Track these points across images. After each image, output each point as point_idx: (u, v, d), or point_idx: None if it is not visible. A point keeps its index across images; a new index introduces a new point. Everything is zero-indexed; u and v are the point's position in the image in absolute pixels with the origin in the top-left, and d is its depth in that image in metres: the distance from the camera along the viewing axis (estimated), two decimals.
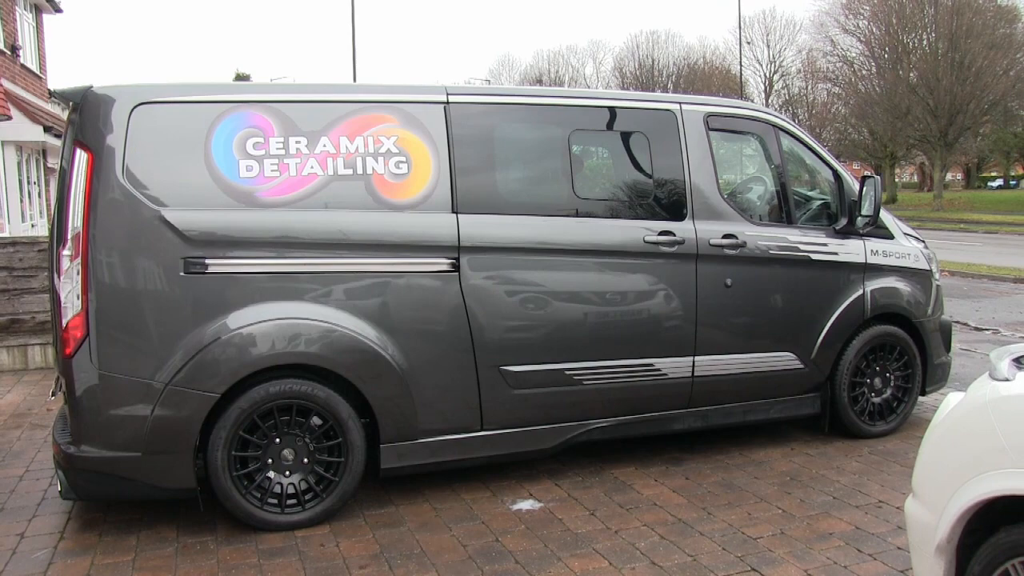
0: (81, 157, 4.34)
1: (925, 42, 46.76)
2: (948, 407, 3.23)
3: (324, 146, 4.65)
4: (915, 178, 79.35)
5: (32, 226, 18.82)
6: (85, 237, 4.29)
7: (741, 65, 54.42)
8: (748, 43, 59.27)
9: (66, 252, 4.34)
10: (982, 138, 52.92)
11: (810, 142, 6.05)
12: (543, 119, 5.28)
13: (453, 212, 4.82)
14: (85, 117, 4.40)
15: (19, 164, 18.55)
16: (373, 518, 4.73)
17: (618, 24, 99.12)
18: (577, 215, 5.16)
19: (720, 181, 5.60)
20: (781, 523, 4.61)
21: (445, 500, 4.97)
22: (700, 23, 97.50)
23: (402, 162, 4.76)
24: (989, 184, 75.50)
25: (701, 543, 4.36)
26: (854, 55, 51.70)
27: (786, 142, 5.93)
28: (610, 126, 5.42)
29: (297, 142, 4.61)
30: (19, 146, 18.32)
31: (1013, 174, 74.55)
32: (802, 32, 66.05)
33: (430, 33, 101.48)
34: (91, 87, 4.46)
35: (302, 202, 4.58)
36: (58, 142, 20.09)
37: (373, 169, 4.71)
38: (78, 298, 4.29)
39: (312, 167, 4.61)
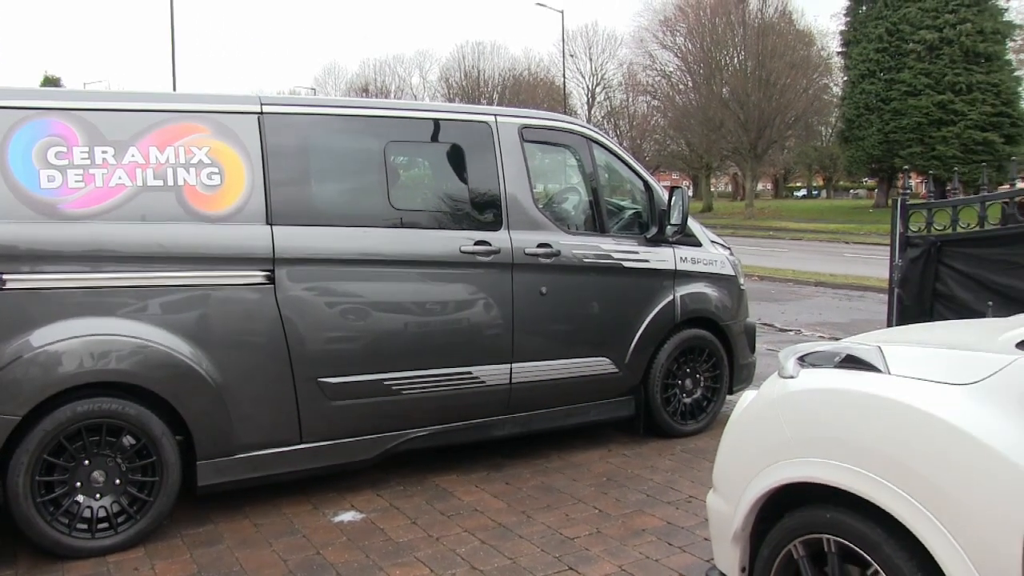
0: None
1: (736, 60, 49.47)
2: (744, 405, 3.46)
3: (132, 156, 4.49)
4: (729, 188, 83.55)
5: None
6: None
7: (564, 77, 55.80)
8: (571, 56, 60.91)
9: None
10: (787, 151, 56.40)
11: (622, 154, 6.31)
12: (359, 130, 5.29)
13: (268, 224, 4.76)
14: None
15: None
16: (190, 537, 4.60)
17: (445, 34, 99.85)
18: (394, 226, 5.19)
19: (535, 192, 5.76)
20: (597, 522, 4.79)
21: (266, 515, 4.89)
22: (525, 35, 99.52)
23: (215, 173, 4.67)
24: (795, 194, 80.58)
25: (520, 546, 4.47)
26: (671, 70, 54.03)
27: (599, 154, 6.15)
28: (427, 137, 5.49)
29: (103, 152, 4.44)
30: None
31: (815, 184, 79.86)
32: (623, 46, 68.45)
33: (254, 40, 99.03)
34: None
35: (110, 214, 4.41)
36: None
37: (184, 180, 4.59)
38: None
39: (120, 178, 4.45)
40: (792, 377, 3.23)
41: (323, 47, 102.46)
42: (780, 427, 3.15)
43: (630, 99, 60.24)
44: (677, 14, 52.72)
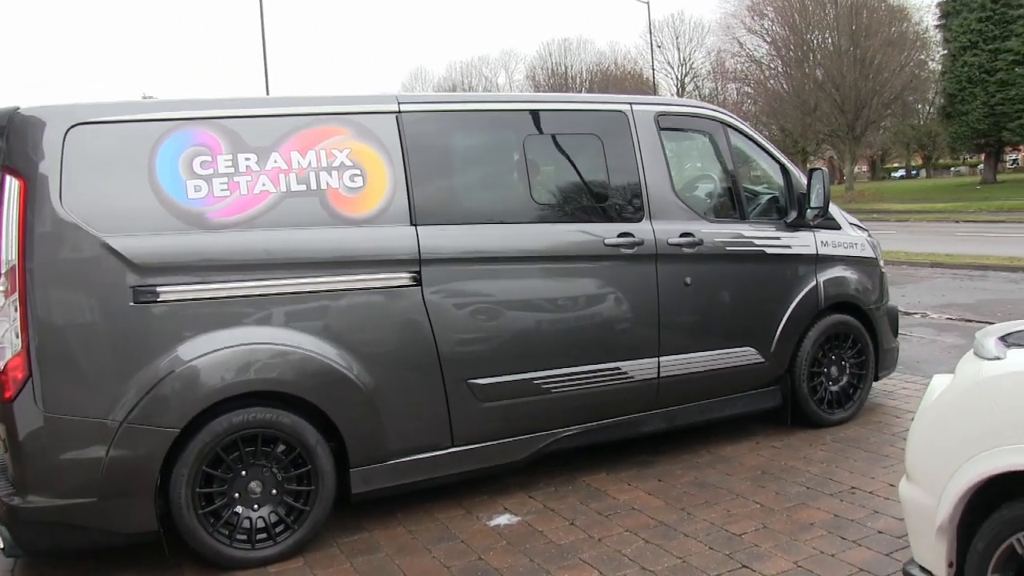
0: (12, 185, 4.05)
1: (828, 40, 48.08)
2: (936, 390, 3.23)
3: (275, 162, 4.46)
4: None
5: None
6: (22, 271, 4.01)
7: (653, 69, 55.20)
8: (659, 46, 60.22)
9: None
10: (884, 131, 54.69)
11: (758, 138, 6.10)
12: (497, 124, 5.20)
13: (412, 224, 4.69)
14: (13, 141, 4.11)
15: None
16: (347, 546, 4.55)
17: (529, 33, 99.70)
18: (537, 221, 5.08)
19: (674, 180, 5.58)
20: (761, 517, 4.58)
21: (419, 521, 4.81)
22: (611, 29, 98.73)
23: (357, 175, 4.61)
24: (892, 175, 78.06)
25: (687, 544, 4.30)
26: (760, 55, 52.92)
27: (735, 138, 5.95)
28: (564, 129, 5.37)
29: (247, 159, 4.42)
30: None
31: (913, 164, 77.22)
32: (710, 34, 67.19)
33: (340, 48, 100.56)
34: (17, 108, 4.17)
35: (255, 221, 4.39)
36: None
37: (327, 184, 4.55)
38: (17, 336, 4.01)
39: (264, 184, 4.43)
40: (998, 359, 3.01)
41: (409, 51, 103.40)
42: (989, 412, 2.96)
43: (719, 87, 59.30)
44: None
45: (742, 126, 6.05)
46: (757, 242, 5.76)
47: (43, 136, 4.10)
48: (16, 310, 3.99)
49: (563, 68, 66.24)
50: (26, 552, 4.19)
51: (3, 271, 4.04)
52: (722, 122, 5.93)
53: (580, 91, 62.71)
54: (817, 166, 6.52)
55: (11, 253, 4.02)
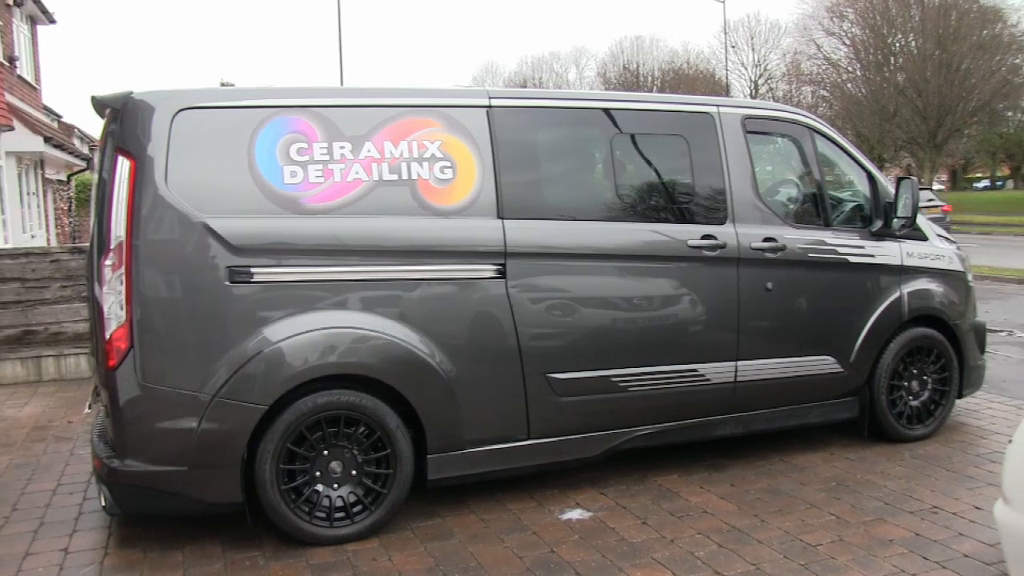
0: (123, 165, 4.23)
1: (912, 44, 46.87)
2: None
3: (368, 151, 4.56)
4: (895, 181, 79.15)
5: (32, 236, 18.62)
6: (128, 246, 4.18)
7: (727, 69, 54.57)
8: (733, 47, 59.49)
9: (108, 262, 4.23)
10: (968, 139, 53.14)
11: (845, 144, 6.02)
12: (585, 122, 5.23)
13: (499, 217, 4.75)
14: (126, 124, 4.29)
15: (19, 175, 18.33)
16: (421, 531, 4.64)
17: (601, 31, 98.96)
18: (621, 220, 5.11)
19: (758, 184, 5.55)
20: (837, 529, 4.54)
21: (491, 511, 4.88)
22: (684, 28, 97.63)
23: (447, 167, 4.69)
24: (974, 185, 75.80)
25: (761, 551, 4.29)
26: (838, 57, 51.86)
27: (822, 144, 5.89)
28: (651, 129, 5.37)
29: (341, 147, 4.53)
30: (19, 157, 18.11)
31: (999, 175, 74.91)
32: (786, 35, 66.14)
33: (412, 41, 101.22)
34: (131, 93, 4.35)
35: (347, 208, 4.49)
36: (56, 152, 19.91)
37: (418, 174, 4.63)
38: (122, 308, 4.18)
39: (357, 173, 4.53)
40: None
41: (480, 46, 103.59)
42: None
43: (794, 89, 58.30)
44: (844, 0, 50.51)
45: (830, 131, 5.98)
46: (840, 250, 5.70)
47: (153, 120, 4.26)
48: (122, 283, 4.17)
49: (635, 66, 65.85)
50: (123, 512, 4.40)
51: (112, 246, 4.20)
52: (810, 127, 5.87)
53: (651, 90, 62.27)
54: (904, 175, 6.37)
55: (120, 229, 4.19)
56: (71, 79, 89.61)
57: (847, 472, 5.43)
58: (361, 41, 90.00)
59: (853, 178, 6.15)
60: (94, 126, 40.15)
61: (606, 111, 5.23)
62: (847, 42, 50.93)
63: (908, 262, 6.00)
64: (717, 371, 5.30)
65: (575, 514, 4.81)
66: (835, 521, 4.65)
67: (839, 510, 4.80)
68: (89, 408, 5.08)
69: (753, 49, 61.87)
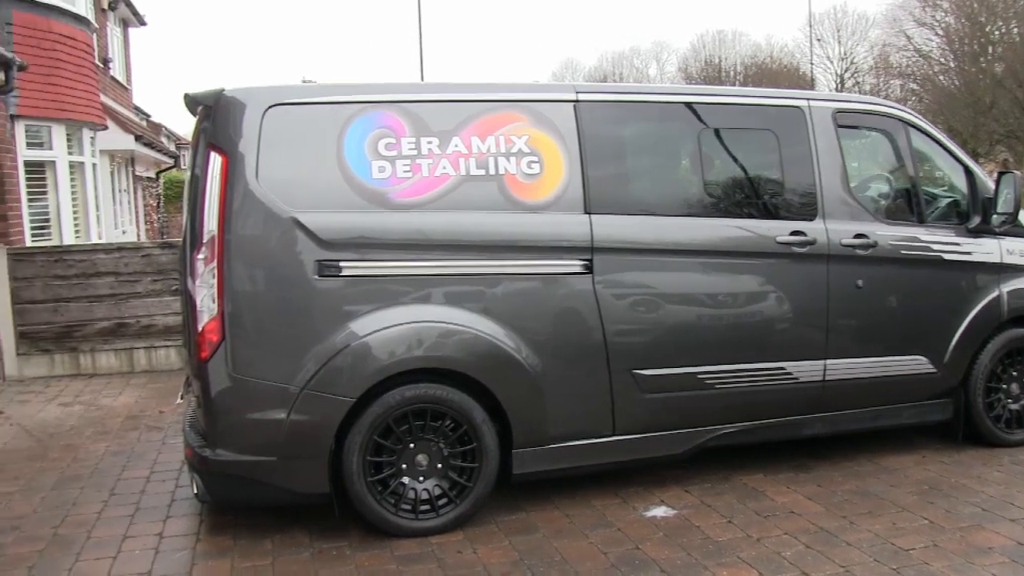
0: (215, 160, 4.33)
1: (1016, 31, 45.07)
2: None
3: (456, 146, 4.59)
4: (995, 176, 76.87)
5: (123, 232, 19.22)
6: (220, 240, 4.28)
7: (812, 63, 53.44)
8: (818, 40, 58.21)
9: (200, 256, 4.34)
10: None
11: (941, 138, 5.83)
12: (672, 116, 5.17)
13: (586, 212, 4.73)
14: (218, 121, 4.39)
15: (111, 172, 18.96)
16: (505, 524, 4.66)
17: (682, 25, 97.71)
18: (709, 215, 5.05)
19: (849, 179, 5.42)
20: (931, 534, 4.41)
21: (575, 506, 4.87)
22: (767, 22, 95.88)
23: (534, 162, 4.69)
24: None
25: (850, 553, 4.19)
26: (930, 48, 50.32)
27: (916, 138, 5.72)
28: (740, 124, 5.27)
29: (429, 142, 4.56)
30: (112, 155, 18.73)
31: None
32: (874, 27, 64.43)
33: (491, 38, 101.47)
34: (223, 90, 4.44)
35: (434, 203, 4.53)
36: (146, 151, 20.52)
37: (505, 169, 4.64)
38: (214, 301, 4.29)
39: (444, 168, 4.56)
40: None
41: (561, 41, 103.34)
42: None
43: (882, 83, 56.81)
44: None
45: (925, 125, 5.80)
46: (935, 247, 5.54)
47: (244, 116, 4.35)
48: (214, 277, 4.27)
49: (717, 60, 64.94)
50: (214, 500, 4.52)
51: (204, 240, 4.30)
52: (904, 121, 5.71)
53: (734, 85, 61.33)
54: (1004, 170, 6.15)
55: (212, 224, 4.29)
56: (156, 79, 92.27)
57: (941, 476, 5.28)
58: (440, 38, 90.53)
59: (949, 173, 5.96)
60: (181, 125, 41.30)
61: (693, 105, 5.16)
62: (940, 32, 49.33)
63: (1008, 260, 5.79)
64: (805, 370, 5.19)
65: (659, 511, 4.77)
66: (928, 526, 4.52)
67: (933, 515, 4.67)
68: (181, 399, 5.23)
69: (839, 42, 60.43)
